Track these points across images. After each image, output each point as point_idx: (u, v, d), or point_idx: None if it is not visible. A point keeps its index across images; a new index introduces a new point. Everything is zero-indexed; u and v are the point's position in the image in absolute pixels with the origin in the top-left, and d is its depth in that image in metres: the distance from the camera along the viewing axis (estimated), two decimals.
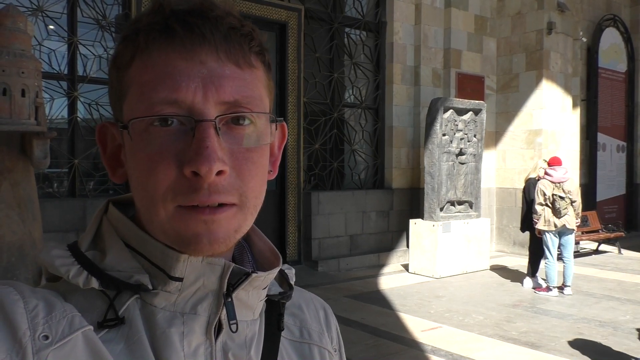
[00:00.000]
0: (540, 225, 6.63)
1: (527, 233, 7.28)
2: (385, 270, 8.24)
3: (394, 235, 9.10)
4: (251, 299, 0.61)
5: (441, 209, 7.98)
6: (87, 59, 6.49)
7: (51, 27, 6.31)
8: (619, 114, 12.70)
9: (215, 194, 0.53)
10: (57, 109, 6.33)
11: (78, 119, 6.41)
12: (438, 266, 7.71)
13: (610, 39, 12.33)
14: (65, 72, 6.34)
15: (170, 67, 0.54)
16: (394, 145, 9.09)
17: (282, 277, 0.69)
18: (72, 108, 6.37)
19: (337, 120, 8.73)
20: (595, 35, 11.92)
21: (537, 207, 6.60)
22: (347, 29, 8.95)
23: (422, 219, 8.07)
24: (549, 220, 6.56)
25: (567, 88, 10.05)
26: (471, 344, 4.89)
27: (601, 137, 12.15)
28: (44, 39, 6.21)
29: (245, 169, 0.56)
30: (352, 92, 9.08)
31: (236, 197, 0.55)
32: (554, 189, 6.54)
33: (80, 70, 6.43)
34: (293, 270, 0.71)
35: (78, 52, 6.40)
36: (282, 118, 0.64)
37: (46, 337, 0.49)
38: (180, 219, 0.54)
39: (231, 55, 0.56)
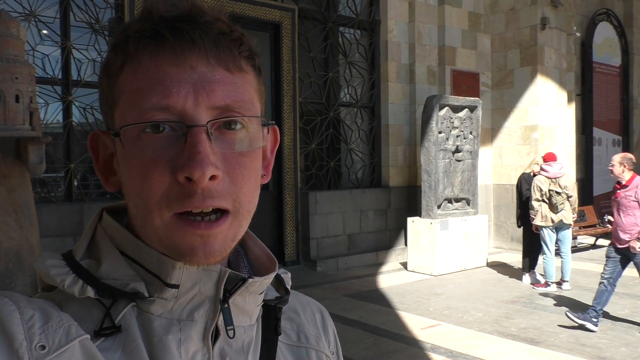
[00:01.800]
0: (537, 221, 6.64)
1: (521, 229, 7.31)
2: (384, 268, 8.25)
3: (392, 233, 9.11)
4: (248, 304, 0.61)
5: (438, 207, 7.98)
6: (81, 63, 6.47)
7: (44, 31, 6.29)
8: (614, 108, 12.73)
9: (209, 199, 0.53)
10: (51, 113, 6.31)
11: (73, 123, 6.40)
12: (436, 264, 7.72)
13: (604, 33, 12.35)
14: (59, 76, 6.32)
15: (161, 73, 0.54)
16: (390, 143, 9.10)
17: (278, 282, 0.69)
18: (66, 112, 6.35)
19: (333, 119, 8.73)
20: (589, 30, 11.95)
21: (534, 203, 6.61)
22: (341, 28, 8.95)
23: (420, 216, 8.07)
24: (546, 215, 6.57)
25: (561, 83, 10.07)
26: (470, 340, 4.89)
27: (597, 132, 12.17)
28: (37, 43, 6.18)
29: (238, 173, 0.56)
30: (348, 91, 9.08)
31: (230, 202, 0.55)
32: (550, 184, 6.56)
33: (74, 75, 6.41)
34: (289, 275, 0.71)
35: (72, 56, 6.38)
36: (274, 121, 0.64)
37: (43, 347, 0.49)
38: (177, 230, 0.54)
39: (221, 60, 0.56)
